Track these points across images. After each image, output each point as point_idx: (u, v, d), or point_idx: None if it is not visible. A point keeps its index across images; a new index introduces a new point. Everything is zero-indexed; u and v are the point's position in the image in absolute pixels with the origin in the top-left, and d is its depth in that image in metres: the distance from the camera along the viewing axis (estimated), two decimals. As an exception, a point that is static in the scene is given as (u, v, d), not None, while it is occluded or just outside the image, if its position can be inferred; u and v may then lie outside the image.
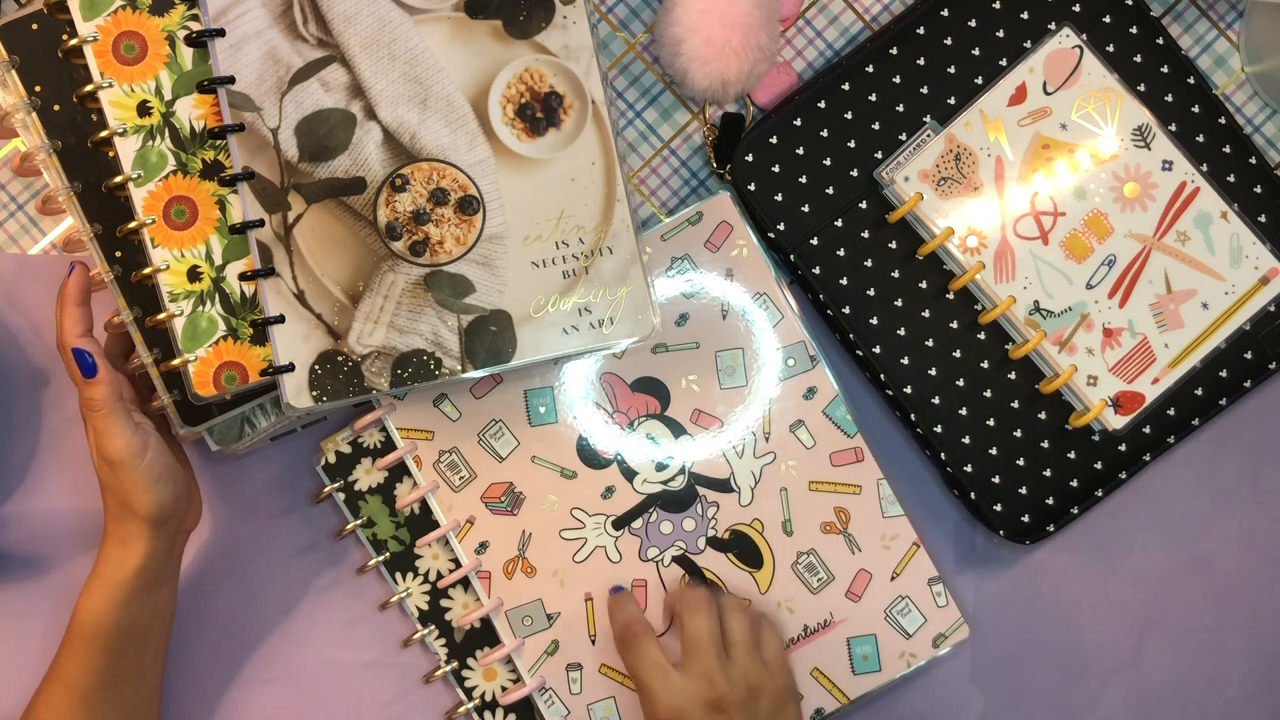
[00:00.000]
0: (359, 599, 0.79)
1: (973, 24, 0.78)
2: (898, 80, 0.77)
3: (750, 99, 0.80)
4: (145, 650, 0.73)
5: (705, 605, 0.73)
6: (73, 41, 0.69)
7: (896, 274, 0.77)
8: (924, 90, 0.77)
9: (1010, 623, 0.81)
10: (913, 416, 0.77)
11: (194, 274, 0.70)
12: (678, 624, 0.74)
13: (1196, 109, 0.78)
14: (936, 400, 0.77)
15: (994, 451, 0.77)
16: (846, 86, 0.77)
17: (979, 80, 0.77)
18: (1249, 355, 0.78)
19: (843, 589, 0.77)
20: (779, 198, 0.77)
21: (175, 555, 0.73)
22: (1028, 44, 0.78)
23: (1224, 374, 0.78)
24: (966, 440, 0.77)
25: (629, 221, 0.72)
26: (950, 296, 0.77)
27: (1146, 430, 0.77)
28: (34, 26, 0.70)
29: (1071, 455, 0.77)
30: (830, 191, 0.77)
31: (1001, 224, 0.76)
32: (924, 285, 0.77)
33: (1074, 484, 0.78)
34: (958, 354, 0.77)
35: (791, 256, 0.77)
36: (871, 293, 0.77)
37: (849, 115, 0.77)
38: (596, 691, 0.76)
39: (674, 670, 0.71)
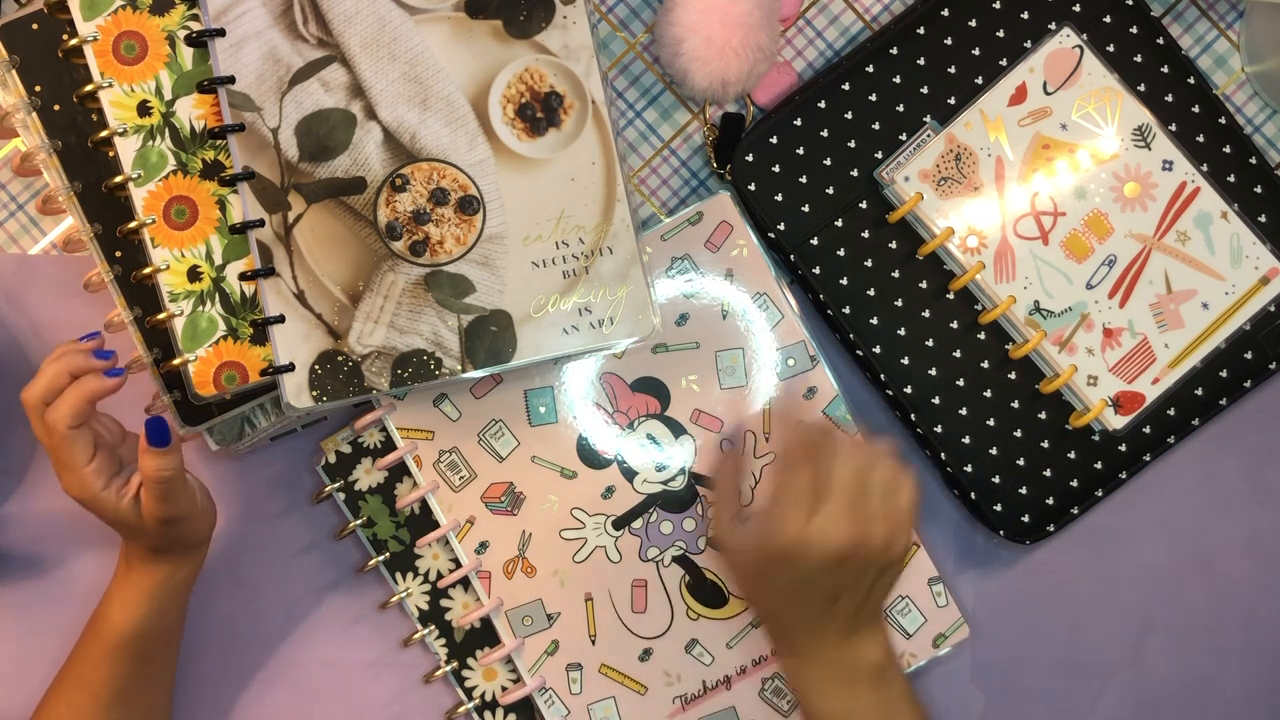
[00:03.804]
0: (359, 599, 0.79)
1: (973, 24, 0.78)
2: (898, 80, 0.77)
3: (750, 99, 0.80)
4: (171, 648, 0.74)
5: (855, 449, 0.66)
6: (73, 41, 0.69)
7: (897, 274, 0.77)
8: (924, 90, 0.77)
9: (1010, 623, 0.81)
10: (913, 416, 0.77)
11: (194, 274, 0.70)
12: (824, 461, 0.65)
13: (1197, 109, 0.78)
14: (936, 400, 0.77)
15: (994, 451, 0.77)
16: (846, 86, 0.77)
17: (979, 80, 0.77)
18: (1249, 355, 0.78)
19: (843, 589, 0.77)
20: (779, 198, 0.77)
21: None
22: (1028, 44, 0.78)
23: (1224, 374, 0.78)
24: (966, 440, 0.77)
25: (629, 221, 0.72)
26: (950, 296, 0.77)
27: (1146, 430, 0.77)
28: (34, 26, 0.70)
29: (1071, 455, 0.77)
30: (830, 191, 0.77)
31: (1002, 224, 0.76)
32: (924, 285, 0.77)
33: (1074, 484, 0.78)
34: (958, 354, 0.77)
35: (791, 256, 0.77)
36: (871, 293, 0.77)
37: (849, 115, 0.77)
38: (596, 691, 0.76)
39: (809, 501, 0.64)
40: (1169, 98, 0.78)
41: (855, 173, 0.77)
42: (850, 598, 0.66)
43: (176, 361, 0.70)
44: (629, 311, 0.72)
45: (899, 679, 0.68)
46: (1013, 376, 0.77)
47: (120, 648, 0.70)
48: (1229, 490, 0.82)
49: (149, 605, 0.70)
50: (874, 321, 0.77)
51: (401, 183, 0.70)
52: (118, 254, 0.71)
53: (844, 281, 0.77)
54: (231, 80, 0.69)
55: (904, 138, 0.77)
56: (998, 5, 0.78)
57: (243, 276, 0.70)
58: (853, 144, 0.77)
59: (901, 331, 0.77)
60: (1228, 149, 0.78)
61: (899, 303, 0.77)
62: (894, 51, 0.77)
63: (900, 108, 0.77)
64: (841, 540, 0.63)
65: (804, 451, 0.66)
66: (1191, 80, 0.78)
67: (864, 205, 0.77)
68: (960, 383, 0.77)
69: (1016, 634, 0.81)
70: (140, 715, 0.72)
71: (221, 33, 0.69)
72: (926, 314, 0.77)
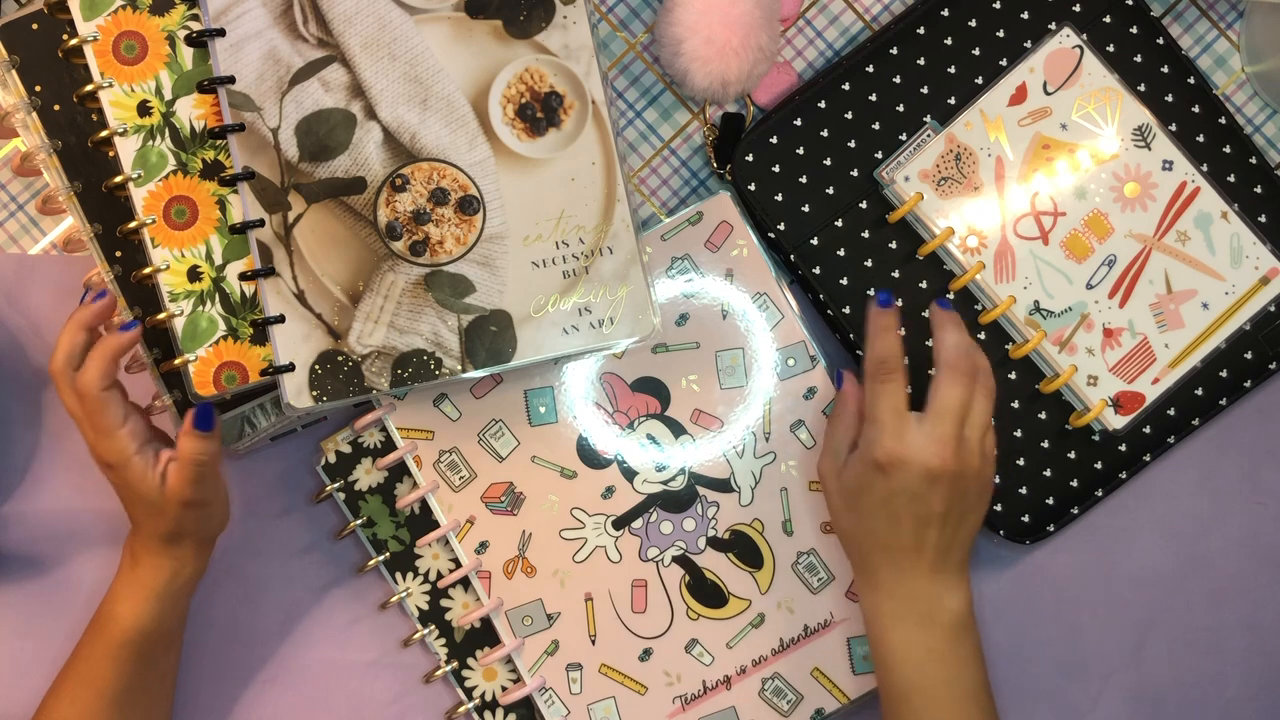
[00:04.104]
0: (359, 599, 0.79)
1: (973, 24, 0.78)
2: (898, 80, 0.77)
3: (750, 99, 0.80)
4: (173, 649, 0.74)
5: (968, 380, 0.69)
6: (73, 41, 0.69)
7: (897, 274, 0.77)
8: (924, 90, 0.77)
9: (1010, 623, 0.81)
10: (913, 416, 0.77)
11: (194, 274, 0.70)
12: (936, 380, 0.69)
13: (1197, 109, 0.78)
14: (936, 400, 0.77)
15: (994, 451, 0.77)
16: (846, 86, 0.77)
17: (979, 80, 0.77)
18: (1249, 355, 0.78)
19: (843, 589, 0.77)
20: (779, 198, 0.77)
21: None
22: (1028, 44, 0.78)
23: (1224, 374, 0.78)
24: (966, 440, 0.77)
25: (629, 221, 0.72)
26: (950, 296, 0.77)
27: (1146, 430, 0.77)
28: (34, 26, 0.70)
29: (1071, 455, 0.77)
30: (830, 191, 0.77)
31: (1002, 224, 0.76)
32: (924, 285, 0.77)
33: (1074, 484, 0.78)
34: (958, 354, 0.77)
35: (792, 256, 0.77)
36: (872, 293, 0.77)
37: (849, 115, 0.77)
38: (596, 691, 0.76)
39: (912, 420, 0.68)
40: (1169, 98, 0.78)
41: (855, 173, 0.77)
42: (940, 528, 0.68)
43: (177, 361, 0.70)
44: (629, 311, 0.72)
45: (974, 643, 0.70)
46: (1013, 376, 0.77)
47: (126, 646, 0.70)
48: (1229, 490, 0.82)
49: (156, 604, 0.70)
50: (874, 321, 0.77)
51: (401, 183, 0.70)
52: (118, 254, 0.71)
53: (844, 281, 0.77)
54: (231, 80, 0.69)
55: (904, 138, 0.77)
56: (998, 5, 0.78)
57: (243, 276, 0.70)
58: (853, 144, 0.77)
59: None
60: (1228, 149, 0.78)
61: (899, 303, 0.77)
62: (894, 51, 0.77)
63: (900, 108, 0.77)
64: (934, 460, 0.66)
65: (902, 364, 0.70)
66: (1191, 80, 0.78)
67: (864, 205, 0.77)
68: (960, 383, 0.77)
69: (1016, 634, 0.81)
70: (143, 714, 0.72)
71: (221, 33, 0.69)
72: (927, 314, 0.77)
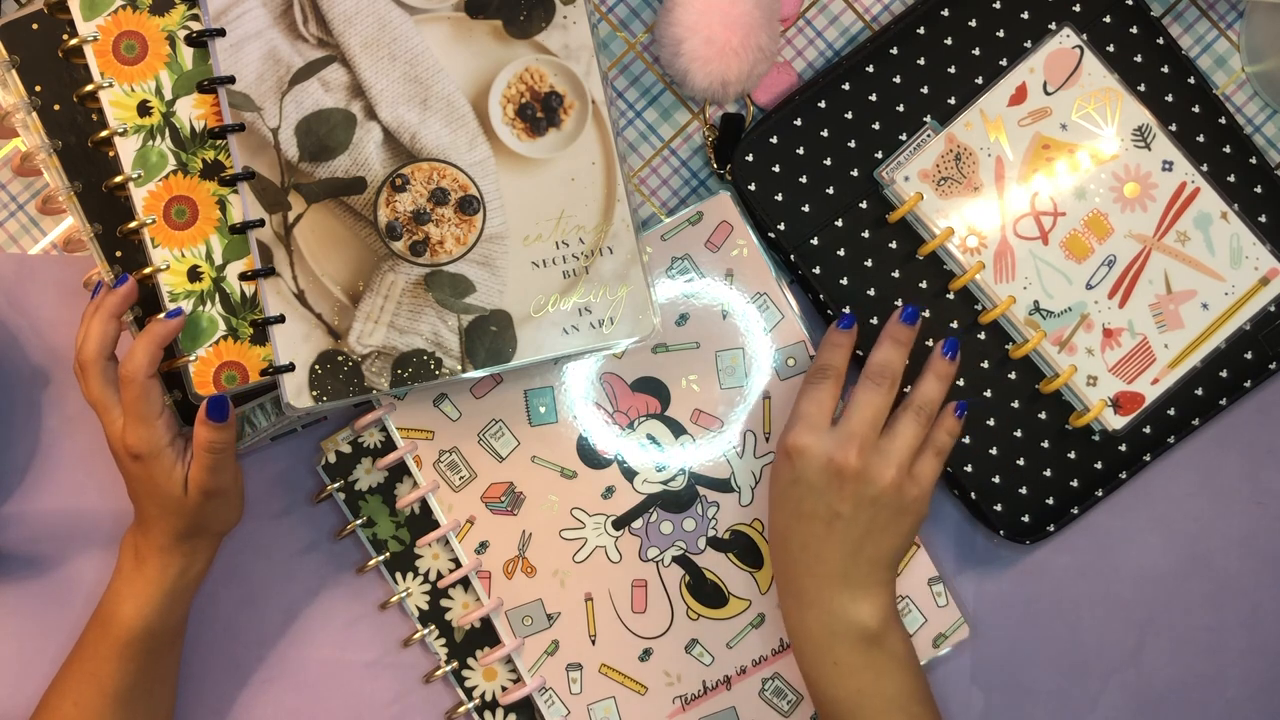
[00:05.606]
0: (359, 599, 0.79)
1: (973, 24, 0.78)
2: (898, 80, 0.77)
3: (750, 99, 0.80)
4: (177, 647, 0.74)
5: (884, 390, 0.71)
6: (73, 41, 0.69)
7: (897, 274, 0.77)
8: (924, 90, 0.77)
9: (1010, 623, 0.81)
10: (913, 416, 0.77)
11: (194, 274, 0.70)
12: (854, 389, 0.72)
13: (1197, 109, 0.78)
14: (936, 400, 0.77)
15: (994, 451, 0.77)
16: (847, 86, 0.77)
17: (979, 80, 0.77)
18: (1249, 355, 0.78)
19: (843, 589, 0.77)
20: (779, 198, 0.77)
21: None
22: (1028, 44, 0.78)
23: (1224, 374, 0.78)
24: (966, 440, 0.77)
25: (629, 221, 0.72)
26: (950, 296, 0.77)
27: (1146, 430, 0.77)
28: (34, 26, 0.70)
29: (1071, 455, 0.77)
30: (830, 191, 0.77)
31: (1001, 224, 0.76)
32: (924, 285, 0.77)
33: (1074, 484, 0.78)
34: (958, 354, 0.77)
35: (792, 256, 0.77)
36: (872, 293, 0.77)
37: (849, 115, 0.77)
38: (596, 691, 0.76)
39: (829, 422, 0.70)
40: (1169, 98, 0.78)
41: (855, 173, 0.77)
42: (844, 533, 0.68)
43: (177, 361, 0.70)
44: (629, 311, 0.72)
45: (892, 654, 0.69)
46: (1013, 376, 0.77)
47: (131, 644, 0.70)
48: (1229, 490, 0.82)
49: (162, 601, 0.70)
50: (874, 322, 0.77)
51: (401, 183, 0.70)
52: (118, 254, 0.71)
53: (844, 281, 0.77)
54: (231, 80, 0.69)
55: (904, 138, 0.77)
56: (998, 5, 0.78)
57: (243, 276, 0.70)
58: (853, 144, 0.77)
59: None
60: (1228, 149, 0.78)
61: (899, 303, 0.77)
62: (894, 51, 0.77)
63: (900, 108, 0.77)
64: (836, 454, 0.68)
65: (841, 376, 0.72)
66: (1191, 80, 0.78)
67: (864, 205, 0.77)
68: (960, 383, 0.77)
69: (1016, 634, 0.81)
70: (146, 711, 0.72)
71: (221, 33, 0.69)
72: (927, 314, 0.77)
